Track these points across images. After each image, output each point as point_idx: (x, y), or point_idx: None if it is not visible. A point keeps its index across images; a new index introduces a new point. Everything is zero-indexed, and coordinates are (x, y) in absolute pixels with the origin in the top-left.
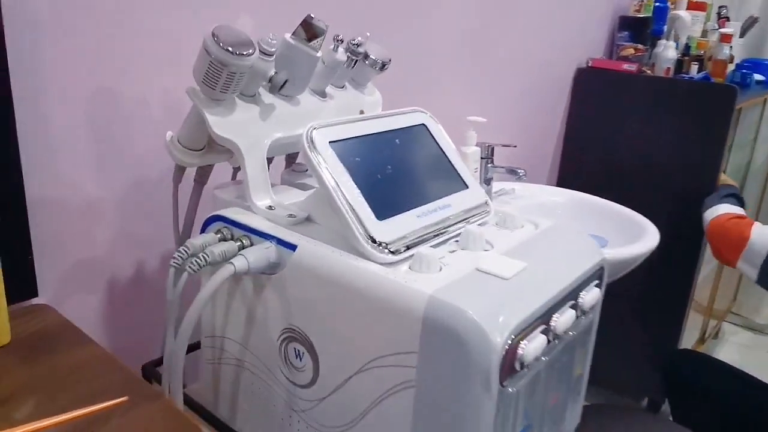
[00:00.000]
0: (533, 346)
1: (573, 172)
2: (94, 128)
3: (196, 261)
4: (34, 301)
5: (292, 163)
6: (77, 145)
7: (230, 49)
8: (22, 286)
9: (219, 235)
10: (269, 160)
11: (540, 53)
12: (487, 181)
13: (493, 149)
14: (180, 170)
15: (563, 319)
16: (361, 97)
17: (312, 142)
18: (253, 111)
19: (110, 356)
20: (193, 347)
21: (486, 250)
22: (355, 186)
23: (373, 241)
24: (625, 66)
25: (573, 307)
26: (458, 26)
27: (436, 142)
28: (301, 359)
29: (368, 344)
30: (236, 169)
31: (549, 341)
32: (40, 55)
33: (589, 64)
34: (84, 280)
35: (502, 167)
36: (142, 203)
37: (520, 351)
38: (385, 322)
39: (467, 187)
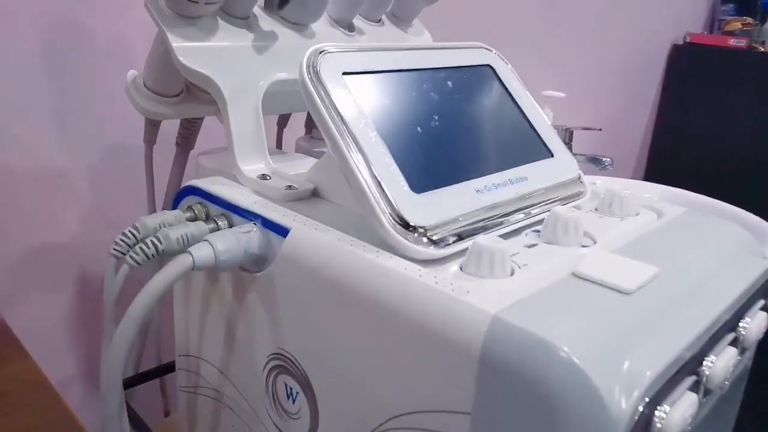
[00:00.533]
0: (680, 412)
1: (665, 165)
2: (52, 72)
3: (141, 249)
4: None
5: (313, 128)
6: (30, 95)
7: None
8: None
9: (189, 214)
10: (283, 120)
11: (629, 25)
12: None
13: (572, 133)
14: (152, 126)
15: (721, 364)
16: (404, 37)
17: (316, 71)
18: (242, 38)
19: (45, 381)
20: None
21: (585, 246)
22: (381, 140)
23: (405, 225)
24: (732, 42)
25: (733, 342)
26: None
27: (507, 91)
28: (293, 401)
29: (391, 390)
30: None
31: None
32: None
33: (687, 40)
34: (41, 272)
35: (582, 155)
36: (120, 173)
37: (657, 423)
38: (419, 358)
39: (551, 155)
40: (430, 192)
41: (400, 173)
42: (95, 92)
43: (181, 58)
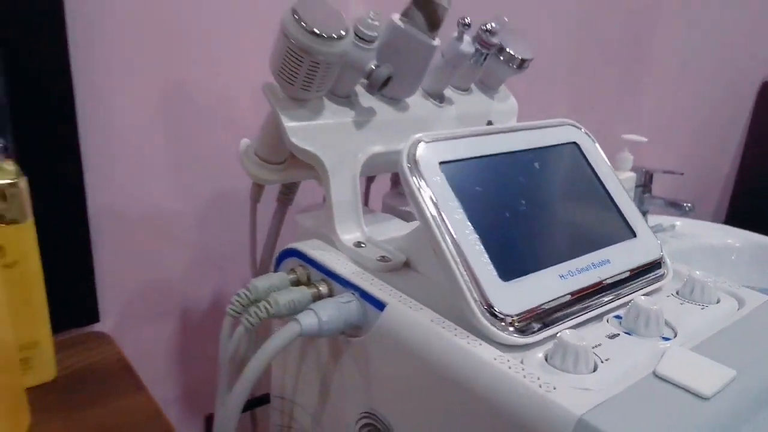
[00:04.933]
0: None
1: (749, 210)
2: (165, 128)
3: (255, 312)
4: (96, 327)
5: (398, 184)
6: (145, 149)
7: (315, 30)
8: (82, 310)
9: (292, 276)
10: (369, 180)
11: (716, 61)
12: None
13: (651, 176)
14: (258, 187)
15: None
16: (490, 104)
17: (415, 162)
18: (344, 116)
19: (160, 413)
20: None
21: (666, 338)
22: (473, 229)
23: (493, 313)
24: None
25: None
26: (613, 21)
27: (593, 170)
28: None
29: None
30: None
31: None
32: (101, 43)
33: None
34: (150, 306)
35: (662, 198)
36: (222, 218)
37: None
38: None
39: (634, 236)
40: (516, 279)
41: (490, 262)
42: (201, 145)
43: (292, 139)
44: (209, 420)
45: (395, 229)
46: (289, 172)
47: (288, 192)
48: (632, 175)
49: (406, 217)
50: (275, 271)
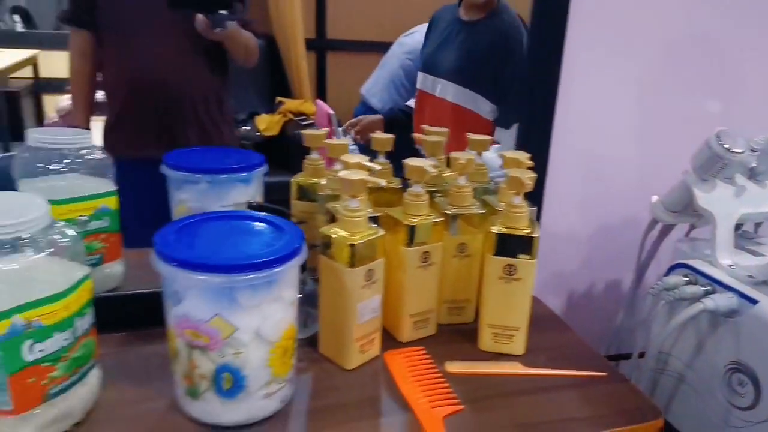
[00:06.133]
0: None
1: None
2: (584, 180)
3: (672, 294)
4: None
5: (738, 228)
6: (573, 191)
7: (727, 147)
8: None
9: (686, 279)
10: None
11: None
12: None
13: None
14: (654, 223)
15: None
16: None
17: None
18: (728, 190)
19: (586, 343)
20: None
21: None
22: None
23: None
24: None
25: None
26: None
27: None
28: (743, 387)
29: None
30: (690, 227)
31: None
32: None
33: None
34: (556, 284)
35: None
36: (604, 237)
37: None
38: None
39: None
40: None
41: None
42: (602, 191)
43: (699, 202)
44: None
45: (748, 259)
46: (680, 217)
47: (669, 228)
48: None
49: (752, 252)
50: (665, 275)
